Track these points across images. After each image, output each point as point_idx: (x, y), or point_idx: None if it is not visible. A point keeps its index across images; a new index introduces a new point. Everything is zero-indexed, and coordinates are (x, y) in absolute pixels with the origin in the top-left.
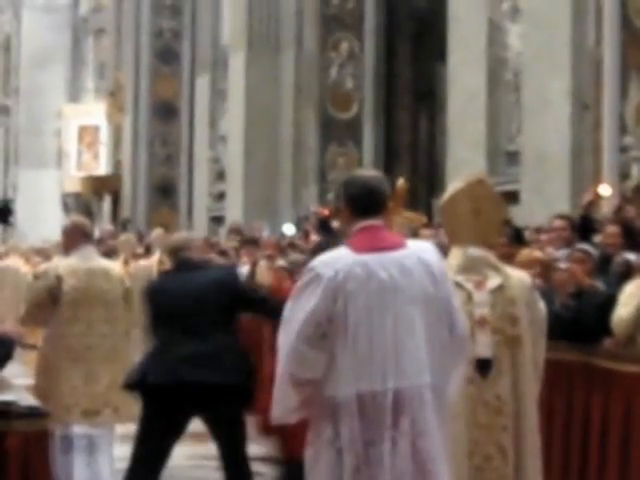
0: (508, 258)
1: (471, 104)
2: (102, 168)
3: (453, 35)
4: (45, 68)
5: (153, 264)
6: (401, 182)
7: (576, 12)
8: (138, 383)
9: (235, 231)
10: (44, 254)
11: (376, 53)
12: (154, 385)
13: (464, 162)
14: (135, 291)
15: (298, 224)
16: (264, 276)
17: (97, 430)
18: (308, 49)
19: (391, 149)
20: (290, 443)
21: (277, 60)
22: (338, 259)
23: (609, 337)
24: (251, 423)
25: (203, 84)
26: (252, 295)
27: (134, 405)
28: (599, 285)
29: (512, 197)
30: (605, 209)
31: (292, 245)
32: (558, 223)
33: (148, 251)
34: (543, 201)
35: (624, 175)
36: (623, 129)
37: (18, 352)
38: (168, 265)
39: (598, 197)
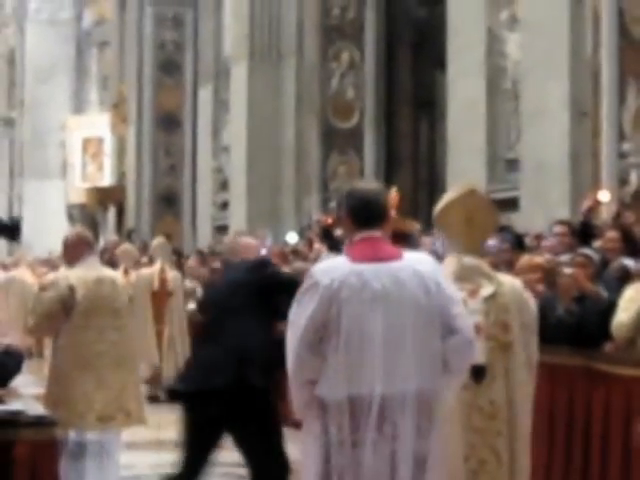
0: (509, 264)
1: (471, 112)
2: (106, 179)
3: (452, 44)
4: (49, 81)
5: (155, 272)
6: (394, 191)
7: (574, 21)
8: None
9: None
10: (50, 265)
11: (376, 63)
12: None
13: (464, 170)
14: (138, 299)
15: (301, 233)
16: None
17: (107, 435)
18: (309, 59)
19: (392, 157)
20: None
21: (279, 70)
22: (335, 268)
23: (610, 342)
24: None
25: (206, 95)
26: (282, 277)
27: (144, 410)
28: (602, 291)
29: (512, 204)
30: (604, 215)
31: (295, 252)
32: (558, 229)
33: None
34: (543, 208)
35: (623, 181)
36: (621, 136)
37: (25, 362)
38: (169, 273)
39: (597, 203)
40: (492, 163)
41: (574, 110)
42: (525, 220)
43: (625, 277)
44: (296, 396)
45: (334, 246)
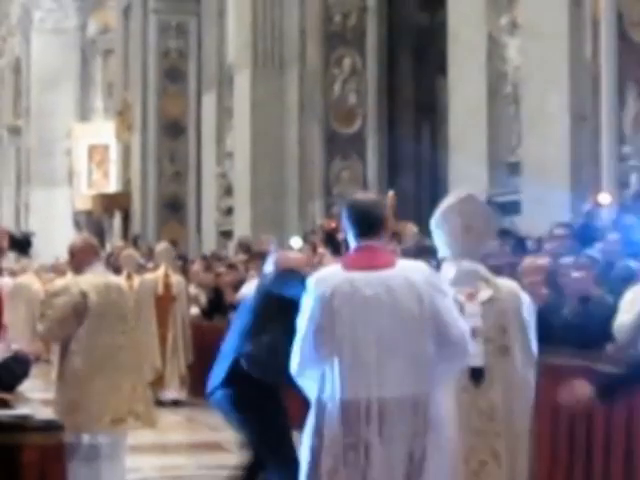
0: (511, 267)
1: (472, 117)
2: (112, 186)
3: (453, 50)
4: (55, 89)
5: (159, 277)
6: (390, 195)
7: (573, 26)
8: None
9: (243, 245)
10: (57, 271)
11: (378, 68)
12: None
13: (466, 174)
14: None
15: (305, 237)
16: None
17: (117, 438)
18: (311, 66)
19: (394, 162)
20: None
21: (281, 77)
22: (330, 276)
23: (612, 343)
24: None
25: (209, 102)
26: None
27: (152, 412)
28: (607, 295)
29: (513, 207)
30: (605, 217)
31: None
32: (559, 231)
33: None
34: (544, 211)
35: (623, 184)
36: (621, 139)
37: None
38: (173, 278)
39: (598, 206)
40: (493, 167)
41: (574, 114)
42: (527, 223)
43: (629, 279)
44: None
45: (337, 251)
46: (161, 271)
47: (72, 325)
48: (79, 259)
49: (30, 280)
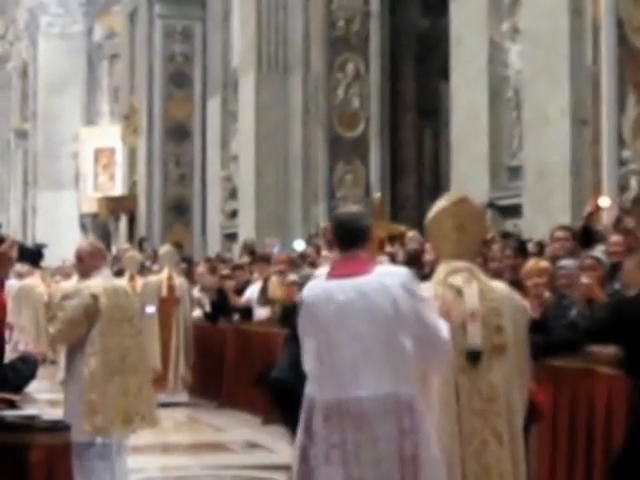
0: (513, 270)
1: (474, 121)
2: (118, 189)
3: (455, 55)
4: (61, 93)
5: (163, 279)
6: (377, 196)
7: (574, 31)
8: None
9: (247, 248)
10: (63, 273)
11: (381, 73)
12: None
13: (468, 177)
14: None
15: (309, 240)
16: (276, 291)
17: (121, 437)
18: (315, 70)
19: (397, 165)
20: None
21: (286, 81)
22: (314, 285)
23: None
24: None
25: (214, 106)
26: None
27: (155, 412)
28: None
29: (514, 210)
30: (605, 220)
31: (303, 257)
32: (560, 234)
33: None
34: (545, 214)
35: (623, 187)
36: (621, 143)
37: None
38: (176, 280)
39: (598, 209)
40: (495, 170)
41: (575, 118)
42: (528, 226)
43: None
44: None
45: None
46: (164, 274)
47: (83, 327)
48: (87, 264)
49: (35, 282)
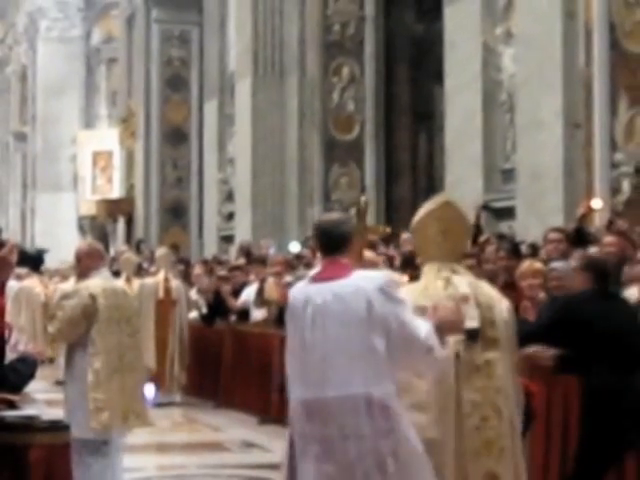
0: (507, 271)
1: (468, 124)
2: (116, 191)
3: (450, 58)
4: (60, 97)
5: (159, 281)
6: (363, 200)
7: (567, 35)
8: None
9: (244, 249)
10: (60, 275)
11: (376, 77)
12: None
13: (462, 179)
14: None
15: (304, 242)
16: (272, 292)
17: (119, 435)
18: (311, 74)
19: (392, 168)
20: None
21: (282, 85)
22: (297, 289)
23: None
24: None
25: (211, 109)
26: None
27: (149, 412)
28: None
29: (508, 213)
30: (597, 222)
31: (299, 259)
32: (553, 235)
33: None
34: (538, 216)
35: (615, 190)
36: (613, 146)
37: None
38: (173, 282)
39: (591, 210)
40: (488, 173)
41: (567, 121)
42: (521, 228)
43: None
44: None
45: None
46: (161, 276)
47: (81, 327)
48: (85, 264)
49: (33, 283)
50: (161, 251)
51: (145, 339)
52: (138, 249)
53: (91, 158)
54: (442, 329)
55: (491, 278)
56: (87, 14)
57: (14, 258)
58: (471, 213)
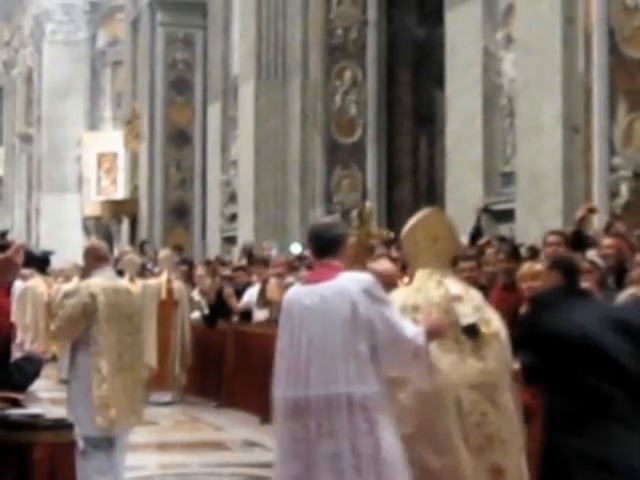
0: (507, 273)
1: (468, 128)
2: (120, 192)
3: (450, 63)
4: (65, 99)
5: (162, 282)
6: (368, 206)
7: (566, 40)
8: None
9: (246, 250)
10: (64, 275)
11: (378, 81)
12: None
13: (462, 183)
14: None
15: (306, 244)
16: (274, 293)
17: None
18: (314, 77)
19: (393, 171)
20: None
21: (284, 88)
22: (292, 290)
23: None
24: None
25: (215, 112)
26: None
27: (143, 410)
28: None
29: (508, 215)
30: (596, 225)
31: (301, 260)
32: (552, 238)
33: None
34: (537, 219)
35: (613, 193)
36: (612, 150)
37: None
38: (175, 283)
39: (590, 214)
40: (488, 176)
41: (567, 126)
42: (520, 231)
43: None
44: None
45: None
46: (164, 277)
47: (81, 325)
48: (89, 263)
49: (37, 283)
50: (164, 253)
51: (147, 339)
52: (142, 249)
53: (96, 159)
54: (432, 333)
55: (491, 280)
56: (92, 17)
57: (20, 259)
58: (472, 215)
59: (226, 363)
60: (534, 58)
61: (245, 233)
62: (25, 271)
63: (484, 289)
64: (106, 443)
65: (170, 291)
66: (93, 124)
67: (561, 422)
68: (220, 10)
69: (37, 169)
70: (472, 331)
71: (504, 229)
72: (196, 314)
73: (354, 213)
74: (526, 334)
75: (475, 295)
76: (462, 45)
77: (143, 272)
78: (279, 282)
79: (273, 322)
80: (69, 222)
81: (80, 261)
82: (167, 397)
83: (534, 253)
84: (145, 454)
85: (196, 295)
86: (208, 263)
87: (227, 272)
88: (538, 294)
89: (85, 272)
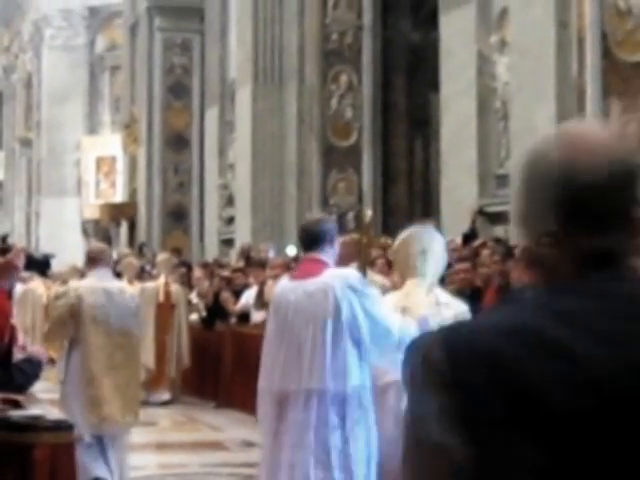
0: (502, 275)
1: (463, 131)
2: (119, 196)
3: (445, 67)
4: (64, 103)
5: (160, 285)
6: (369, 215)
7: (560, 44)
8: None
9: (244, 252)
10: (61, 279)
11: (373, 85)
12: None
13: (457, 185)
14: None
15: None
16: (271, 294)
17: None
18: (310, 82)
19: (389, 174)
20: None
21: (281, 92)
22: (279, 285)
23: None
24: None
25: (212, 116)
26: None
27: (139, 410)
28: None
29: (502, 217)
30: None
31: (297, 260)
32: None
33: None
34: None
35: None
36: None
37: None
38: (173, 286)
39: None
40: (483, 179)
41: None
42: (515, 233)
43: None
44: None
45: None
46: (162, 280)
47: (69, 326)
48: (87, 265)
49: (37, 286)
50: (162, 256)
51: (144, 341)
52: (140, 252)
53: (95, 163)
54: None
55: (486, 281)
56: (91, 23)
57: (21, 262)
58: (467, 217)
59: (224, 364)
60: (528, 62)
61: (242, 235)
62: (25, 274)
63: (479, 290)
64: (97, 441)
65: (168, 294)
66: (92, 128)
67: None
68: (217, 15)
69: (37, 173)
70: None
71: (499, 231)
72: (194, 316)
73: (350, 215)
74: None
75: (460, 307)
76: (456, 49)
77: (142, 274)
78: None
79: None
80: (68, 225)
81: (79, 264)
82: (166, 396)
83: None
84: (144, 454)
85: (194, 297)
86: (206, 265)
87: (225, 273)
88: None
89: (83, 274)
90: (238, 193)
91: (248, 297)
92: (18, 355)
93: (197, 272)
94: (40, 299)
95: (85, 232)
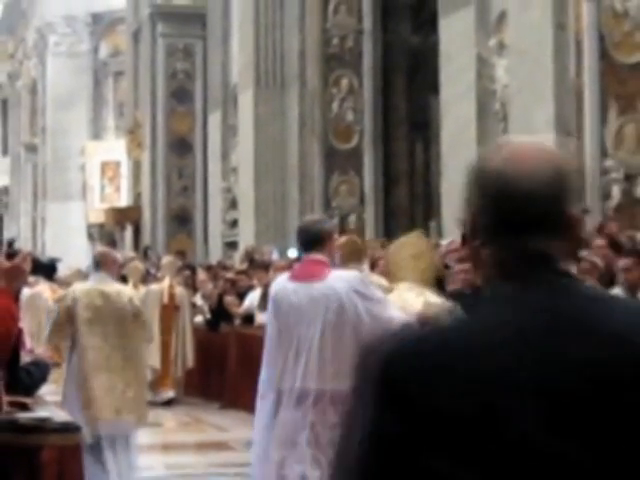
0: None
1: (462, 133)
2: (123, 200)
3: (445, 70)
4: (69, 109)
5: (164, 288)
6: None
7: (558, 46)
8: None
9: (248, 255)
10: (65, 283)
11: (374, 88)
12: None
13: (457, 186)
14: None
15: None
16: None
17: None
18: (311, 85)
19: (390, 176)
20: None
21: (283, 96)
22: (277, 284)
23: None
24: None
25: (215, 120)
26: None
27: (147, 411)
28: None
29: None
30: (588, 226)
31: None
32: None
33: None
34: None
35: (605, 195)
36: (603, 153)
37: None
38: (177, 289)
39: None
40: None
41: (559, 130)
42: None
43: None
44: None
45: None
46: (166, 282)
47: (66, 328)
48: (93, 269)
49: (42, 290)
50: (166, 259)
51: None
52: (145, 255)
53: (99, 168)
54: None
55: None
56: (94, 29)
57: (28, 267)
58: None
59: (229, 365)
60: (526, 64)
61: (246, 238)
62: (31, 278)
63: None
64: (94, 440)
65: (172, 296)
66: (96, 133)
67: None
68: (219, 21)
69: (42, 178)
70: None
71: None
72: (199, 318)
73: (352, 217)
74: None
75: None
76: (456, 52)
77: (147, 277)
78: None
79: None
80: (74, 229)
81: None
82: (170, 393)
83: None
84: (150, 455)
85: (199, 300)
86: (210, 268)
87: (229, 275)
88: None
89: (87, 277)
90: (241, 196)
91: (252, 299)
92: (25, 358)
93: (201, 274)
94: (46, 303)
95: (90, 236)
